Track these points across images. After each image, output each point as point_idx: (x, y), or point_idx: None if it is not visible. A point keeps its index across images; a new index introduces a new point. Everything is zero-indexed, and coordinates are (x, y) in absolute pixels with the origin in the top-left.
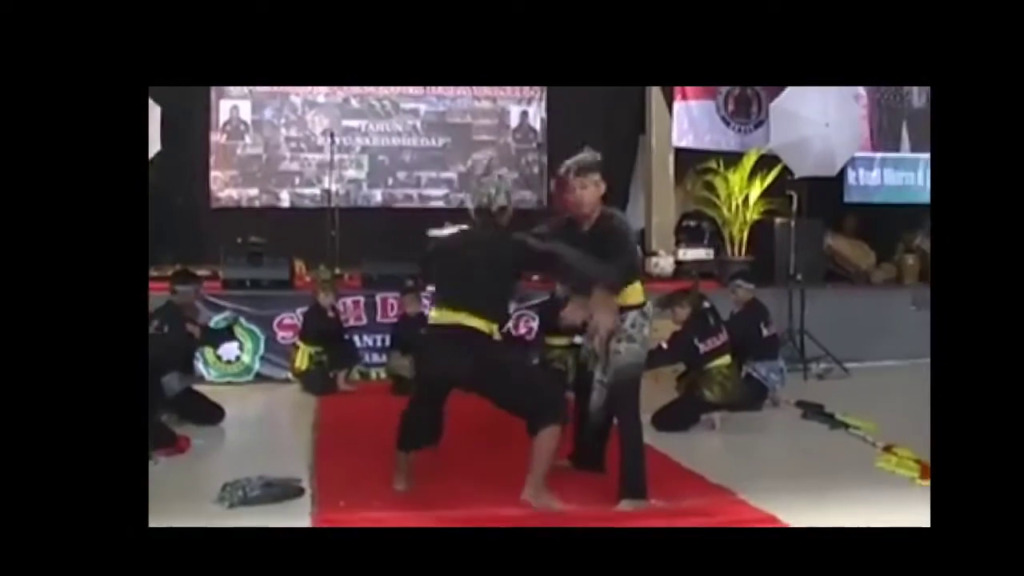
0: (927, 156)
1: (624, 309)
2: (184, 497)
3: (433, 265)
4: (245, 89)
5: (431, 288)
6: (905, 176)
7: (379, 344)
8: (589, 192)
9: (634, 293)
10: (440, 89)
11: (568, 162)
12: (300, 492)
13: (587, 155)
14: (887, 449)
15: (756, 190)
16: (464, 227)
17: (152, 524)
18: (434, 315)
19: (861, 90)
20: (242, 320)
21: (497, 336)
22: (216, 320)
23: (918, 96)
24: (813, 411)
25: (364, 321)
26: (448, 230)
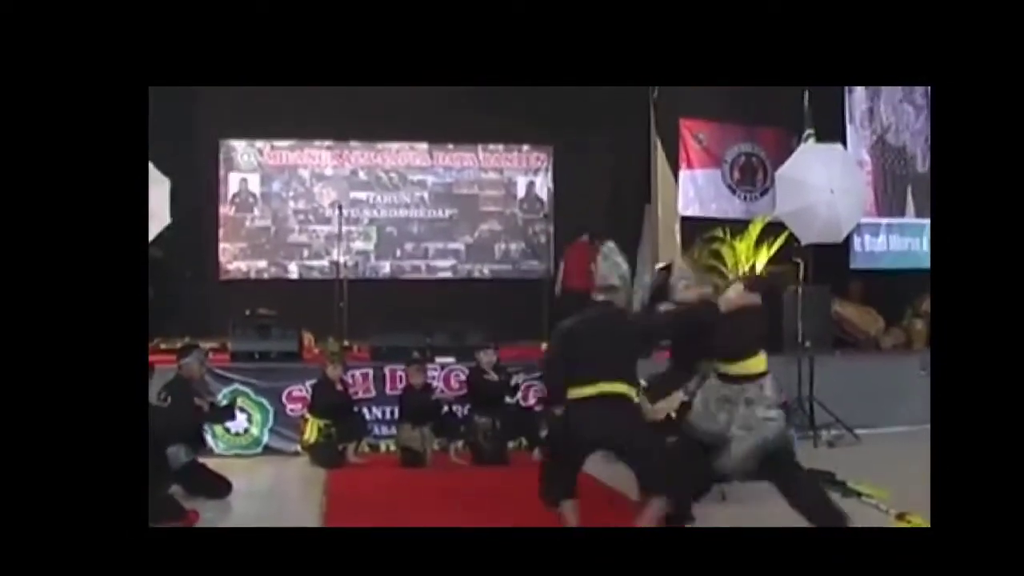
0: None
1: (752, 378)
2: None
3: (563, 348)
4: (254, 162)
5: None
6: (911, 241)
7: (388, 416)
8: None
9: (757, 363)
10: (447, 160)
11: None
12: None
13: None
14: (900, 517)
15: (763, 258)
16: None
17: None
18: (573, 393)
19: (866, 156)
20: (251, 393)
21: (636, 399)
22: (223, 394)
23: (922, 161)
24: (824, 479)
25: (373, 393)
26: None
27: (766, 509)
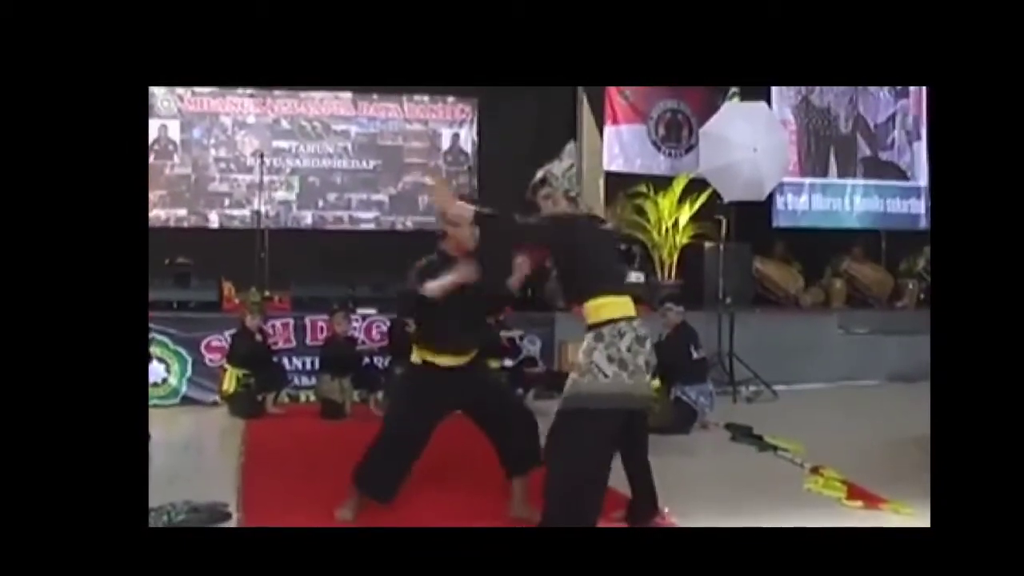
0: (854, 182)
1: (600, 324)
2: None
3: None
4: (174, 108)
5: None
6: (833, 201)
7: (308, 367)
8: (543, 205)
9: (605, 306)
10: (371, 110)
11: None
12: (227, 516)
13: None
14: (814, 471)
15: (685, 214)
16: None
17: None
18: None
19: (790, 115)
20: (169, 342)
21: None
22: None
23: (845, 122)
24: (742, 434)
25: (293, 343)
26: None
27: (686, 462)
